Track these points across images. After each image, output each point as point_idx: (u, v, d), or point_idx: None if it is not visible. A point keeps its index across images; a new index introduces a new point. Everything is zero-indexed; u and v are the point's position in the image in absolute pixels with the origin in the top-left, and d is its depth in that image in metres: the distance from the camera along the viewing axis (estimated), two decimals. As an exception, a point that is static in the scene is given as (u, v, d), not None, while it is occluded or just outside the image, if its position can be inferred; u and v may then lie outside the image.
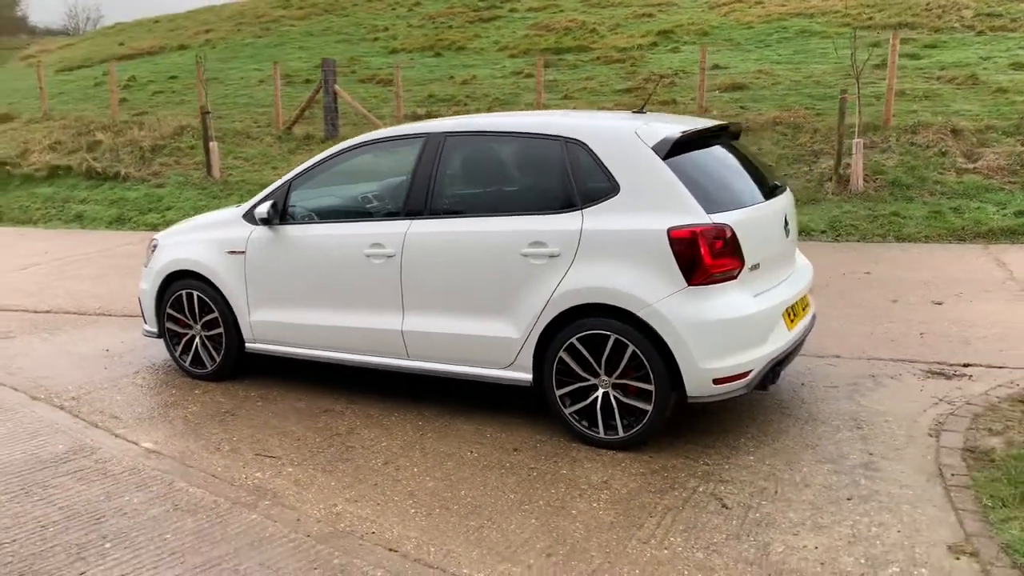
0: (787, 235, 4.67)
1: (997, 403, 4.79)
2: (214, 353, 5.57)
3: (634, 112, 4.99)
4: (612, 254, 4.24)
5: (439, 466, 4.26)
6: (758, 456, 4.24)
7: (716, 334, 4.11)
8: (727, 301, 4.15)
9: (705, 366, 4.10)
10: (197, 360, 5.67)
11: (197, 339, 5.64)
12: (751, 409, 4.84)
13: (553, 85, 16.72)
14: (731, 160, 4.82)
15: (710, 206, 4.18)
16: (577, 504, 3.81)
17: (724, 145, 4.95)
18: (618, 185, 4.29)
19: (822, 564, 3.26)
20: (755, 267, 4.31)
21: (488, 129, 4.83)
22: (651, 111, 5.23)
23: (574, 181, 4.41)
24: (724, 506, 3.75)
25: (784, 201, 4.76)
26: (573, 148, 4.43)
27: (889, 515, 3.60)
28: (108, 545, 3.55)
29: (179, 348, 5.76)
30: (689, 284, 4.09)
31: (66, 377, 5.83)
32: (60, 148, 16.42)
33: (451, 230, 4.67)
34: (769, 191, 4.68)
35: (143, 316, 5.94)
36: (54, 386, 5.64)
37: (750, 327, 4.20)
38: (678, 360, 4.12)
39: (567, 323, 4.35)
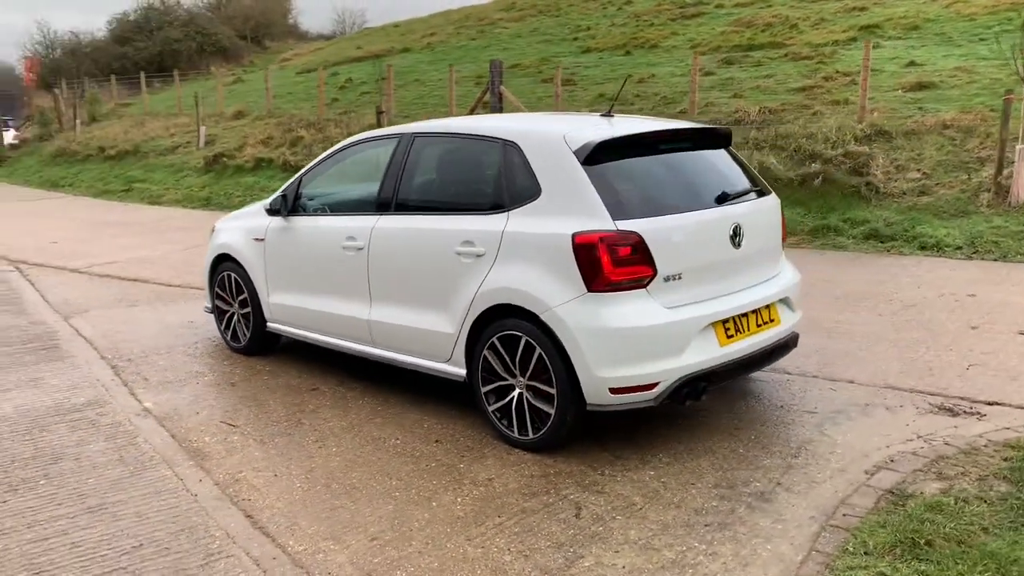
0: (737, 246, 4.41)
1: (981, 447, 4.25)
2: (246, 330, 6.18)
3: (601, 115, 4.92)
4: (526, 256, 4.27)
5: (358, 449, 4.51)
6: (659, 472, 4.10)
7: (614, 342, 4.02)
8: (630, 310, 4.04)
9: (601, 374, 4.03)
10: (234, 335, 6.32)
11: (235, 316, 6.27)
12: (698, 425, 4.64)
13: (727, 83, 16.18)
14: (690, 165, 4.64)
15: (623, 212, 4.08)
16: (443, 497, 3.92)
17: (702, 149, 4.78)
18: (540, 189, 4.31)
19: (618, 584, 3.17)
20: (674, 277, 4.15)
21: (445, 131, 5.00)
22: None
23: (505, 183, 4.48)
24: (576, 516, 3.69)
25: (739, 210, 4.49)
26: (509, 151, 4.49)
27: (731, 545, 3.39)
28: (43, 482, 4.16)
29: (223, 323, 6.43)
30: (589, 290, 4.04)
31: (141, 342, 6.71)
32: (269, 143, 18.33)
33: (405, 226, 4.89)
34: (720, 199, 4.44)
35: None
36: (125, 349, 6.52)
37: (657, 338, 4.06)
38: (575, 366, 4.09)
39: (490, 322, 4.43)
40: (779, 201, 4.96)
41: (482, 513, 3.75)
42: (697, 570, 3.23)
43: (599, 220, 4.06)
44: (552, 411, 4.23)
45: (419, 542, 3.51)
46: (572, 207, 4.16)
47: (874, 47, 16.96)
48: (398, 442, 4.58)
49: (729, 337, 4.32)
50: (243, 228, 6.11)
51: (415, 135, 5.07)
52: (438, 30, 32.45)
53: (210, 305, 6.59)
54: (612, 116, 4.87)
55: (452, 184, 4.99)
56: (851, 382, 5.27)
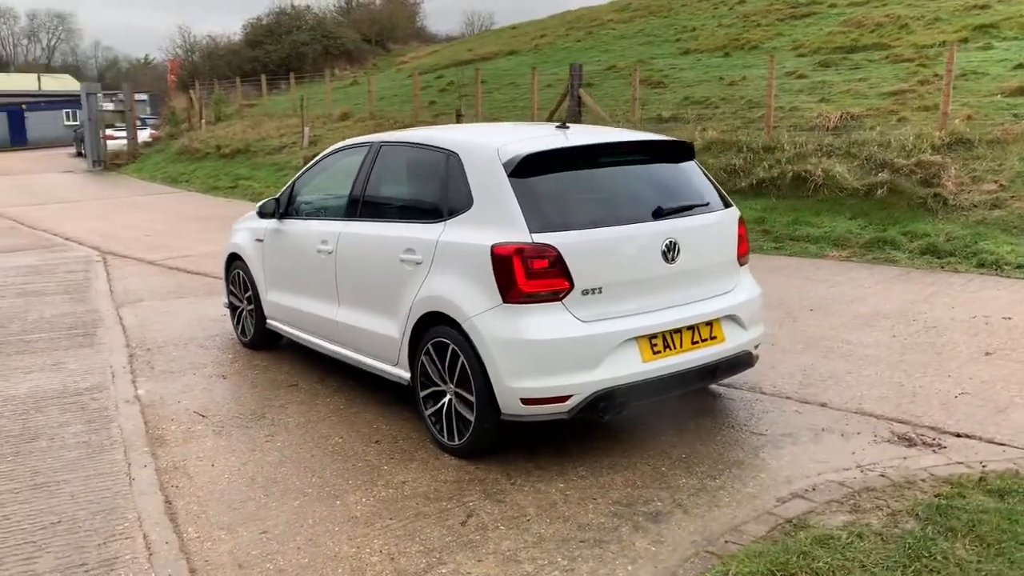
0: (671, 261, 4.33)
1: (918, 481, 4.03)
2: (251, 326, 6.52)
3: (557, 126, 4.93)
4: (454, 266, 4.35)
5: (300, 445, 4.71)
6: (569, 485, 4.09)
7: (526, 354, 4.05)
8: (544, 322, 4.06)
9: (512, 384, 4.07)
10: (243, 330, 6.68)
11: (244, 312, 6.63)
12: (634, 440, 4.58)
13: (818, 87, 15.57)
14: (632, 178, 4.60)
15: (543, 226, 4.11)
16: (350, 496, 4.06)
17: (662, 161, 4.75)
18: (473, 199, 4.38)
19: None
20: (594, 291, 4.13)
21: (404, 141, 5.13)
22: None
23: (447, 193, 4.57)
24: (463, 523, 3.75)
25: (676, 225, 4.39)
26: (451, 161, 4.58)
27: (593, 564, 3.37)
28: (10, 458, 4.58)
29: (235, 319, 6.80)
30: (504, 301, 4.09)
31: (168, 333, 7.18)
32: (363, 143, 18.94)
33: (365, 232, 5.06)
34: (656, 214, 4.38)
35: (228, 290, 7.09)
36: (150, 338, 7.00)
37: (570, 351, 4.06)
38: (489, 375, 4.14)
39: (427, 329, 4.54)
40: (738, 215, 4.83)
41: (377, 514, 3.86)
42: (545, 582, 3.24)
43: (518, 232, 4.10)
44: (472, 419, 4.29)
45: (302, 538, 3.67)
46: (497, 219, 4.22)
47: (984, 48, 15.98)
48: (340, 441, 4.75)
49: (656, 353, 4.26)
50: (248, 229, 6.44)
51: (382, 144, 5.24)
52: (549, 32, 32.62)
53: (225, 301, 6.98)
54: (567, 127, 4.87)
55: (404, 193, 5.13)
56: (823, 405, 5.06)
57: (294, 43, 39.77)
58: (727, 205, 4.83)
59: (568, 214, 4.25)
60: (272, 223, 6.05)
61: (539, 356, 4.05)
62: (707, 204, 4.68)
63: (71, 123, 51.15)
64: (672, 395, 4.56)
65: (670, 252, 4.33)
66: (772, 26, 22.55)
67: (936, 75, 14.62)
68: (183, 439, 4.83)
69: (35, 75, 77.75)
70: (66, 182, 24.81)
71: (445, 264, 4.40)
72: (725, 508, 3.82)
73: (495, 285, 4.11)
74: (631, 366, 4.18)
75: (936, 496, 3.83)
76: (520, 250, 4.04)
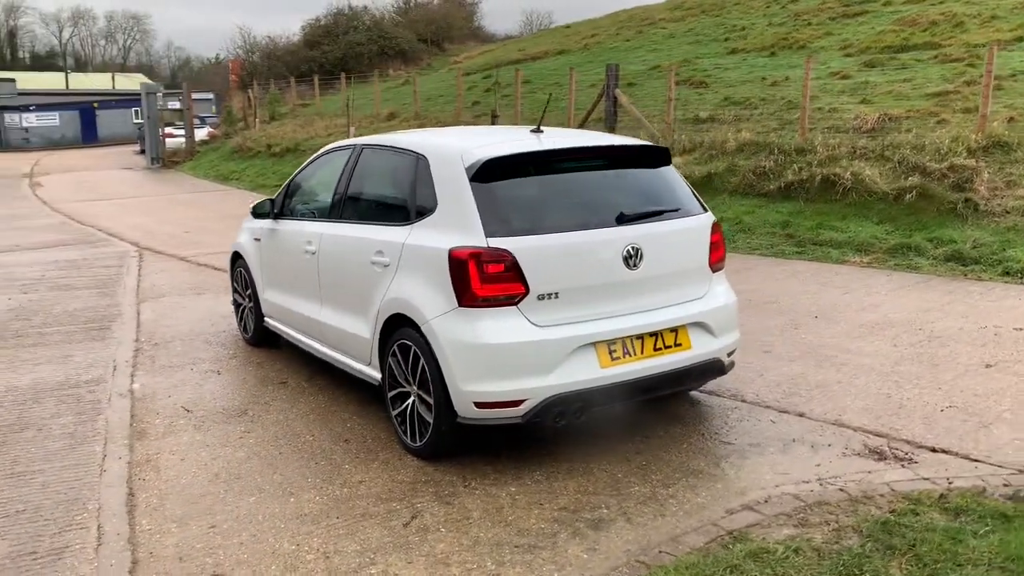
0: (632, 267, 4.30)
1: (877, 496, 3.93)
2: (251, 323, 6.67)
3: (532, 130, 4.92)
4: (417, 269, 4.39)
5: (271, 442, 4.80)
6: (521, 489, 4.10)
7: (479, 357, 4.07)
8: (498, 326, 4.07)
9: (465, 388, 4.10)
10: (245, 327, 6.83)
11: (246, 309, 6.78)
12: (598, 446, 4.56)
13: (860, 87, 15.22)
14: (597, 183, 4.58)
15: (500, 230, 4.12)
16: (305, 495, 4.13)
17: (633, 167, 4.73)
18: (437, 203, 4.42)
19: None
20: (550, 296, 4.13)
21: (382, 144, 5.18)
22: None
23: (415, 196, 4.62)
24: (405, 524, 3.79)
25: (640, 231, 4.35)
26: (420, 164, 4.62)
27: (519, 570, 3.38)
28: (-5, 448, 4.77)
29: (238, 316, 6.96)
30: (460, 305, 4.11)
31: (177, 328, 7.38)
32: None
33: (344, 234, 5.14)
34: (619, 219, 4.35)
35: (235, 287, 7.25)
36: (160, 333, 7.21)
37: (523, 355, 4.06)
38: (445, 378, 4.17)
39: (394, 330, 4.59)
40: (711, 221, 4.76)
41: (325, 513, 3.93)
42: (468, 587, 3.26)
43: (475, 237, 4.12)
44: (431, 421, 4.33)
45: (247, 534, 3.75)
46: (457, 222, 4.24)
47: (1039, 48, 15.41)
48: (311, 439, 4.83)
49: (614, 359, 4.24)
50: (249, 228, 6.58)
51: (363, 147, 5.31)
52: (601, 31, 32.50)
53: (232, 299, 7.14)
54: (541, 131, 4.87)
55: (379, 195, 5.19)
56: (801, 415, 4.97)
57: (350, 43, 40.37)
58: (703, 211, 4.77)
59: (526, 219, 4.25)
60: (268, 223, 6.18)
61: (492, 360, 4.07)
62: (677, 210, 4.63)
63: (139, 121, 52.95)
64: (633, 402, 4.53)
65: (632, 258, 4.30)
66: (823, 25, 22.10)
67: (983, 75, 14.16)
68: (163, 433, 4.97)
69: (109, 74, 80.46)
70: (123, 179, 25.63)
71: (409, 267, 4.45)
72: (670, 518, 3.79)
73: (451, 289, 4.14)
74: (588, 372, 4.16)
75: (890, 512, 3.74)
76: (475, 254, 4.06)
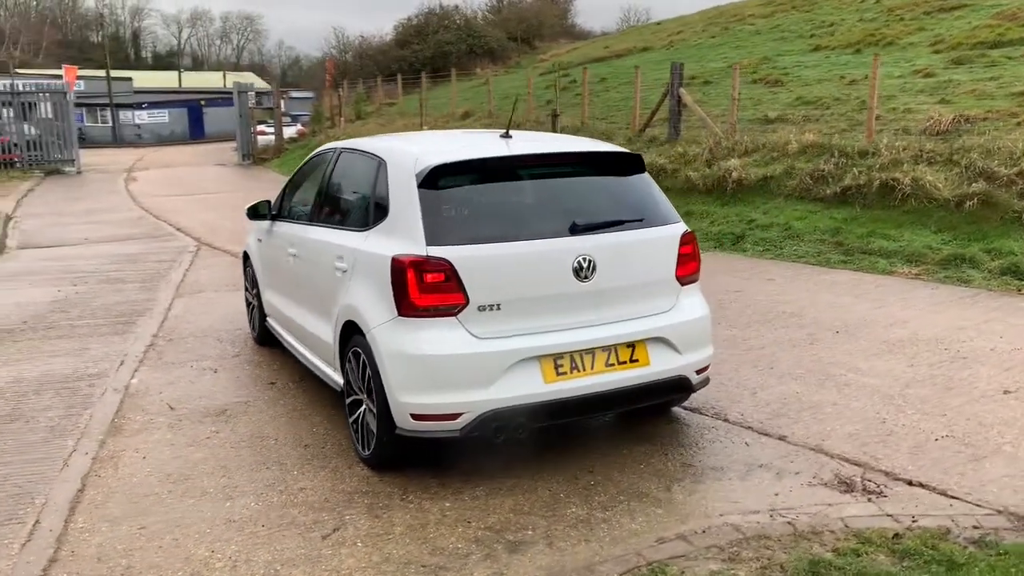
0: (584, 279, 4.13)
1: (826, 531, 3.67)
2: (258, 323, 6.76)
3: (501, 135, 4.79)
4: (367, 276, 4.33)
5: (233, 444, 4.83)
6: (456, 504, 3.99)
7: (415, 368, 3.99)
8: (436, 337, 3.97)
9: (402, 398, 4.02)
10: (253, 326, 6.94)
11: (254, 308, 6.88)
12: (553, 463, 4.40)
13: (942, 86, 14.38)
14: (554, 191, 4.44)
15: (442, 238, 4.02)
16: (242, 500, 4.12)
17: (605, 174, 4.58)
18: (389, 209, 4.35)
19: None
20: (492, 307, 4.01)
21: (354, 147, 5.14)
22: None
23: (373, 201, 4.56)
24: (324, 537, 3.74)
25: (594, 242, 4.16)
26: (380, 169, 4.56)
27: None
28: (-20, 438, 4.96)
29: (249, 314, 7.08)
30: (399, 314, 4.04)
31: (197, 324, 7.56)
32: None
33: (315, 237, 5.13)
34: (573, 229, 4.17)
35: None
36: (179, 329, 7.40)
37: (461, 368, 3.95)
38: (384, 388, 4.10)
39: (349, 337, 4.55)
40: (679, 233, 4.52)
41: (254, 520, 3.91)
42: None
43: (416, 245, 4.03)
44: (375, 430, 4.27)
45: (171, 537, 3.77)
46: (403, 229, 4.17)
47: None
48: (273, 443, 4.84)
49: (560, 374, 4.08)
50: (256, 228, 6.67)
51: (342, 150, 5.29)
52: (688, 28, 31.85)
53: (246, 297, 7.27)
54: (510, 136, 4.73)
55: (345, 199, 5.15)
56: (781, 439, 4.69)
57: (439, 42, 40.78)
58: (674, 221, 4.55)
59: (471, 227, 4.13)
60: (266, 224, 6.24)
61: (429, 371, 3.97)
62: (640, 220, 4.42)
63: (242, 119, 54.91)
64: (584, 419, 4.36)
65: (583, 270, 4.13)
66: (916, 20, 21.01)
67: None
68: (137, 430, 5.07)
69: (221, 73, 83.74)
70: (212, 175, 26.58)
71: (360, 273, 4.40)
72: (595, 543, 3.61)
73: (392, 297, 4.06)
74: (530, 387, 4.02)
75: (831, 551, 3.47)
76: (415, 262, 3.97)
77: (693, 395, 5.17)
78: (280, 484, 4.28)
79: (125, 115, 57.32)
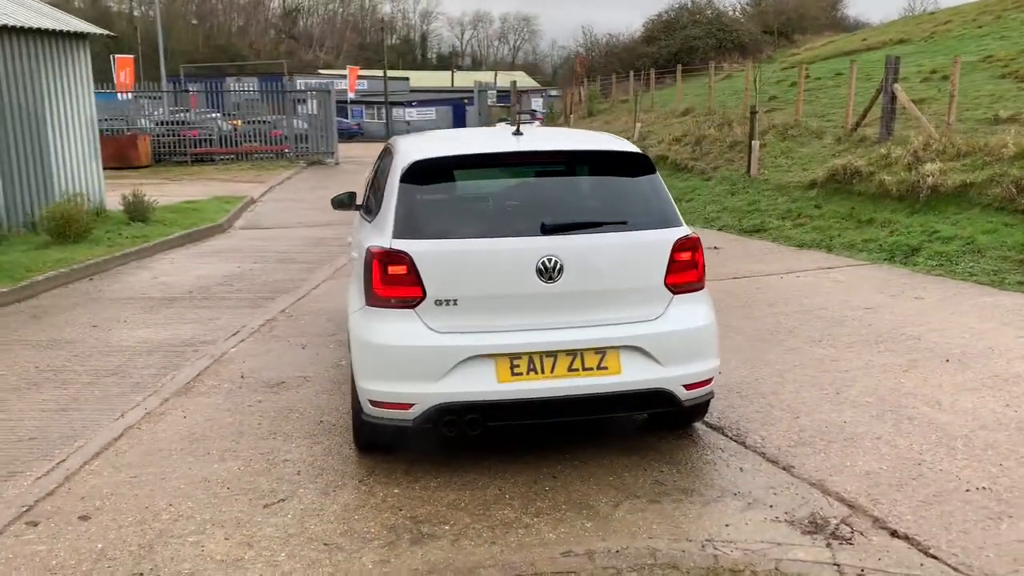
0: (549, 280, 4.03)
1: (747, 572, 3.35)
2: (356, 305, 7.20)
3: (513, 132, 4.76)
4: (357, 265, 4.54)
5: (264, 414, 5.21)
6: (405, 491, 4.08)
7: (374, 357, 4.12)
8: (393, 328, 4.08)
9: (363, 385, 4.17)
10: (355, 309, 7.39)
11: (357, 293, 7.33)
12: (528, 463, 4.35)
13: None
14: (536, 190, 4.39)
15: (409, 232, 4.12)
16: (229, 464, 4.46)
17: (595, 174, 4.48)
18: (383, 202, 4.52)
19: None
20: (448, 302, 4.05)
21: (393, 144, 5.31)
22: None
23: (380, 194, 4.74)
24: (266, 505, 3.99)
25: (562, 243, 4.04)
26: (391, 165, 4.73)
27: (299, 565, 3.43)
28: (79, 386, 5.77)
29: (355, 298, 7.55)
30: (366, 303, 4.20)
31: (325, 304, 8.18)
32: (680, 140, 18.79)
33: (356, 226, 5.40)
34: (544, 229, 4.09)
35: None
36: (307, 307, 8.06)
37: (413, 360, 4.03)
38: (353, 373, 4.29)
39: (353, 322, 4.77)
40: (675, 238, 4.24)
41: (225, 482, 4.25)
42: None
43: (386, 237, 4.17)
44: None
45: (149, 488, 4.19)
46: (383, 222, 4.31)
47: None
48: (296, 416, 5.17)
49: (516, 375, 4.03)
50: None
51: (388, 144, 5.51)
52: (958, 17, 28.80)
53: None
54: (521, 133, 4.70)
55: (373, 192, 5.34)
56: (786, 468, 4.30)
57: (686, 37, 40.01)
58: (673, 225, 4.29)
59: (439, 222, 4.19)
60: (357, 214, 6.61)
61: (384, 361, 4.09)
62: (623, 223, 4.23)
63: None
64: (544, 422, 4.27)
65: (548, 271, 4.03)
66: None
67: None
68: (200, 393, 5.63)
69: (492, 72, 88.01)
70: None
71: (356, 262, 4.60)
72: (498, 547, 3.57)
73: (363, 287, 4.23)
74: (482, 384, 4.01)
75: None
76: (379, 254, 4.11)
77: (719, 412, 4.90)
78: (272, 454, 4.60)
79: (397, 112, 61.96)
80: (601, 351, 4.09)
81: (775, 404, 5.14)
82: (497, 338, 4.04)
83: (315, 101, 30.39)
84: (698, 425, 4.83)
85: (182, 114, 29.26)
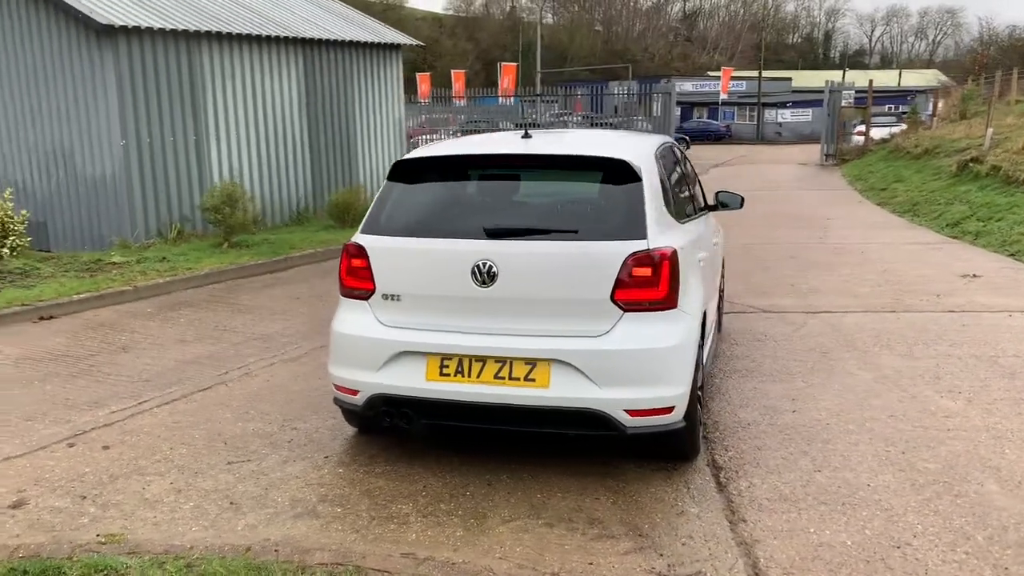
0: (483, 284, 3.98)
1: None
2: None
3: (522, 136, 4.72)
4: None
5: (320, 386, 5.77)
6: (357, 478, 4.35)
7: (334, 342, 4.43)
8: (348, 317, 4.37)
9: (329, 369, 4.50)
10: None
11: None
12: (476, 468, 4.37)
13: None
14: (514, 193, 4.33)
15: (375, 228, 4.36)
16: (241, 424, 5.05)
17: (579, 180, 4.37)
18: (381, 198, 4.77)
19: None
20: (393, 297, 4.22)
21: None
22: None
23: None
24: (229, 463, 4.49)
25: (501, 248, 3.97)
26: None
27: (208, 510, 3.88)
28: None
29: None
30: (340, 293, 4.53)
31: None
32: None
33: None
34: (489, 232, 4.06)
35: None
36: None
37: (356, 349, 4.27)
38: (330, 359, 4.63)
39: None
40: (628, 252, 3.91)
41: (219, 434, 4.84)
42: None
43: (358, 232, 4.46)
44: (336, 396, 4.80)
45: (168, 431, 4.93)
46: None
47: None
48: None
49: (443, 375, 4.08)
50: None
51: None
52: None
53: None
54: (530, 136, 4.67)
55: None
56: (739, 522, 3.81)
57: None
58: (630, 238, 3.98)
59: (399, 220, 4.34)
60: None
61: (339, 347, 4.39)
62: (574, 231, 4.02)
63: (886, 118, 52.30)
64: (473, 425, 4.26)
65: (482, 275, 4.01)
66: None
67: None
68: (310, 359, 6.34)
69: (896, 71, 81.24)
70: (779, 173, 26.73)
71: None
72: (357, 535, 3.68)
73: (343, 277, 4.56)
74: (412, 380, 4.13)
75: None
76: (347, 247, 4.40)
77: (733, 451, 4.50)
78: (280, 419, 5.12)
79: (769, 114, 59.85)
80: (532, 362, 3.97)
81: (813, 454, 4.47)
82: (432, 336, 4.12)
83: (659, 103, 30.70)
84: (698, 460, 4.39)
85: (565, 117, 31.05)
